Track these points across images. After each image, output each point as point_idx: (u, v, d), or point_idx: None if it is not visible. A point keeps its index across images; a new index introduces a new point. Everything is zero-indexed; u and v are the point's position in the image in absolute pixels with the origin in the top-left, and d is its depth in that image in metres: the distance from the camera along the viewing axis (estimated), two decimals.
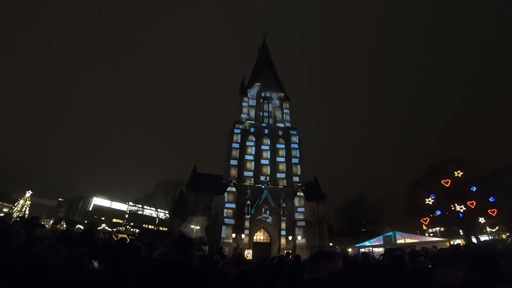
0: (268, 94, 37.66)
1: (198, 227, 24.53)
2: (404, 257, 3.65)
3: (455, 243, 17.42)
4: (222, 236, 26.44)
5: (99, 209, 69.07)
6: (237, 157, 31.26)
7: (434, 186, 28.16)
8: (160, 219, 59.90)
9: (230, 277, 2.89)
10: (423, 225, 30.57)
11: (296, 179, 31.68)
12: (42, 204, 61.81)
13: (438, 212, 27.97)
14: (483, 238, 25.99)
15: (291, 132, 34.70)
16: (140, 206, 58.77)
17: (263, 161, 32.30)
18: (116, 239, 10.78)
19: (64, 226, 24.21)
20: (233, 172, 30.39)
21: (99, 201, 70.94)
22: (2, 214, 33.05)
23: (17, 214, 33.03)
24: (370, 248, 20.18)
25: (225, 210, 27.76)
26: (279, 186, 31.06)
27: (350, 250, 28.10)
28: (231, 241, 26.36)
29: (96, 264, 3.32)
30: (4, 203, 58.65)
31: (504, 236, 22.38)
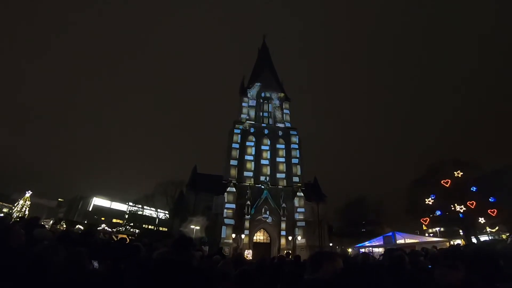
0: (268, 94, 37.67)
1: (198, 228, 24.51)
2: (404, 257, 3.65)
3: (455, 243, 17.39)
4: (222, 236, 26.43)
5: (99, 209, 69.05)
6: (237, 157, 31.25)
7: (434, 186, 28.18)
8: (160, 219, 59.99)
9: (230, 277, 2.89)
10: (423, 225, 30.60)
11: (296, 179, 31.67)
12: (42, 204, 61.75)
13: (438, 212, 27.98)
14: (483, 238, 26.01)
15: (291, 132, 34.70)
16: (140, 206, 58.79)
17: (263, 161, 32.30)
18: (116, 239, 10.77)
19: (64, 226, 24.23)
20: (233, 172, 30.38)
21: (99, 201, 70.91)
22: (2, 215, 33.04)
23: (17, 215, 33.04)
24: (370, 248, 20.15)
25: (225, 210, 27.75)
26: (279, 186, 31.05)
27: (350, 250, 28.12)
28: (231, 241, 26.35)
29: (96, 264, 3.32)
30: (4, 203, 58.64)
31: (504, 236, 22.36)
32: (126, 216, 64.40)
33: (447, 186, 27.32)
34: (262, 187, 29.78)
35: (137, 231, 47.65)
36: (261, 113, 36.79)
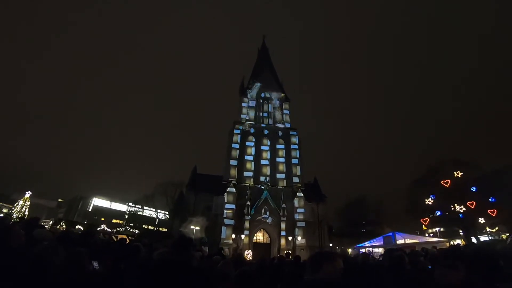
0: (268, 95, 37.70)
1: (198, 228, 24.48)
2: (404, 258, 3.65)
3: (455, 243, 17.41)
4: (222, 236, 26.42)
5: (98, 210, 68.98)
6: (237, 157, 31.25)
7: (434, 187, 28.19)
8: (160, 220, 59.96)
9: (230, 277, 2.88)
10: (423, 226, 30.57)
11: (296, 179, 31.67)
12: (41, 204, 61.65)
13: (438, 213, 27.98)
14: (483, 238, 26.03)
15: (291, 132, 34.72)
16: (139, 206, 58.79)
17: (263, 162, 32.31)
18: (116, 239, 10.77)
19: (64, 226, 24.20)
20: (233, 172, 30.38)
21: (98, 201, 70.84)
22: (1, 215, 33.02)
23: (17, 215, 32.99)
24: (370, 248, 20.15)
25: (225, 211, 27.73)
26: (279, 187, 31.05)
27: (350, 250, 28.12)
28: (231, 241, 26.34)
29: (96, 264, 3.32)
30: (4, 204, 58.54)
31: (504, 236, 22.39)
32: (126, 216, 64.38)
33: (447, 186, 27.32)
34: (262, 187, 29.78)
35: (137, 231, 47.66)
36: (261, 113, 36.83)
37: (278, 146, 33.58)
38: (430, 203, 27.67)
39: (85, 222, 46.30)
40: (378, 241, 20.83)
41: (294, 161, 32.83)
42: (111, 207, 71.90)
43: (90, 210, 68.81)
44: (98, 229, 25.23)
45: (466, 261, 2.27)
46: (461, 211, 25.85)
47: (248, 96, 36.40)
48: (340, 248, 41.13)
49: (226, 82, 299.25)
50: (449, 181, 27.36)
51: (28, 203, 35.85)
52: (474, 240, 24.57)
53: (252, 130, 33.80)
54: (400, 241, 18.35)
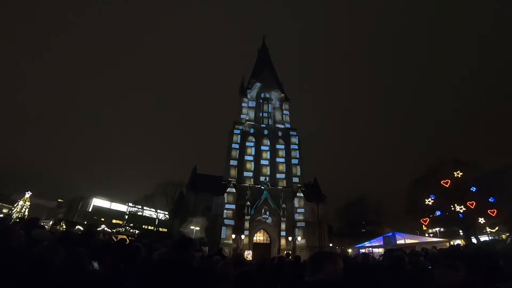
0: (267, 95, 37.72)
1: (197, 228, 24.47)
2: (404, 258, 3.65)
3: (455, 243, 17.42)
4: (222, 237, 26.41)
5: (98, 210, 68.99)
6: (237, 157, 31.25)
7: (434, 187, 28.20)
8: (159, 220, 59.98)
9: (229, 277, 2.89)
10: (423, 226, 30.57)
11: (296, 179, 31.67)
12: (41, 205, 61.59)
13: (438, 213, 27.98)
14: (483, 238, 26.01)
15: (291, 133, 34.73)
16: (139, 207, 58.84)
17: (262, 162, 32.31)
18: (116, 240, 10.77)
19: (64, 227, 24.16)
20: (233, 172, 30.38)
21: (98, 202, 70.85)
22: (1, 215, 33.03)
23: (17, 215, 32.97)
24: (370, 248, 20.14)
25: (225, 211, 27.73)
26: (279, 187, 31.05)
27: (350, 250, 28.12)
28: (231, 242, 26.34)
29: (96, 265, 3.32)
30: (4, 204, 58.53)
31: (504, 236, 22.37)
32: (126, 216, 64.42)
33: (447, 186, 27.33)
34: (262, 187, 29.78)
35: (137, 231, 47.72)
36: (261, 114, 36.83)
37: (278, 146, 33.58)
38: (430, 203, 27.67)
39: (85, 223, 46.27)
40: (378, 241, 20.82)
41: (294, 161, 32.83)
42: (111, 208, 71.91)
43: (90, 210, 68.81)
44: (98, 229, 25.20)
45: (466, 261, 2.27)
46: (461, 211, 25.85)
47: (248, 96, 36.41)
48: (340, 248, 41.12)
49: (226, 82, 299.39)
50: (449, 181, 27.37)
51: (28, 203, 35.80)
52: (474, 240, 24.56)
53: (252, 130, 33.81)
54: (400, 241, 18.33)
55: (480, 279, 2.08)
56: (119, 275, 3.27)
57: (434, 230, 37.16)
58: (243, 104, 35.93)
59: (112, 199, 72.43)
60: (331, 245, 38.36)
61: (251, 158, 32.15)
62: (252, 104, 36.15)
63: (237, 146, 31.80)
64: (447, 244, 16.85)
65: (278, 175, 32.00)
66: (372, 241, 21.97)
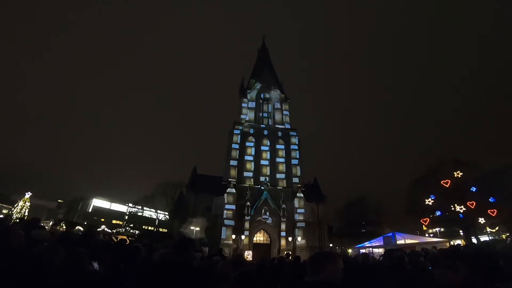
0: (267, 95, 37.72)
1: (198, 228, 24.46)
2: (404, 258, 3.65)
3: (455, 243, 17.42)
4: (222, 237, 26.41)
5: (98, 211, 68.90)
6: (237, 158, 31.25)
7: (434, 187, 28.19)
8: (159, 221, 59.82)
9: (229, 278, 2.88)
10: (423, 226, 30.55)
11: (296, 180, 31.67)
12: (41, 205, 61.65)
13: (438, 213, 27.97)
14: (483, 238, 25.99)
15: (291, 133, 34.72)
16: (139, 207, 58.77)
17: (262, 162, 32.31)
18: (116, 240, 10.75)
19: (64, 227, 24.14)
20: (233, 173, 30.37)
21: (98, 202, 70.78)
22: (1, 216, 32.98)
23: (17, 216, 32.93)
24: (370, 249, 20.13)
25: (225, 211, 27.72)
26: (279, 187, 31.04)
27: (350, 251, 28.09)
28: (231, 242, 26.32)
29: (96, 265, 3.32)
30: (4, 204, 58.49)
31: (504, 236, 22.36)
32: (126, 217, 64.36)
33: (447, 186, 27.32)
34: (262, 188, 29.77)
35: (137, 232, 47.56)
36: (260, 114, 36.83)
37: (278, 146, 33.57)
38: (430, 203, 27.66)
39: (85, 223, 46.24)
40: (378, 241, 20.80)
41: (294, 161, 32.83)
42: (111, 208, 71.85)
43: (90, 211, 68.73)
44: (98, 229, 25.18)
45: (466, 261, 2.27)
46: (461, 211, 25.84)
47: (248, 96, 36.41)
48: (340, 248, 41.06)
49: (226, 82, 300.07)
50: (449, 181, 27.36)
51: (28, 204, 35.74)
52: (474, 240, 24.55)
53: (252, 131, 33.80)
54: (400, 241, 18.32)
55: (480, 279, 2.08)
56: (119, 275, 3.27)
57: (434, 230, 37.16)
58: (243, 104, 35.92)
59: (112, 199, 72.42)
60: (331, 245, 38.33)
61: (251, 158, 32.14)
62: (252, 104, 36.14)
63: (237, 146, 31.80)
64: (447, 244, 16.85)
65: (278, 175, 31.99)
66: (372, 241, 21.95)
